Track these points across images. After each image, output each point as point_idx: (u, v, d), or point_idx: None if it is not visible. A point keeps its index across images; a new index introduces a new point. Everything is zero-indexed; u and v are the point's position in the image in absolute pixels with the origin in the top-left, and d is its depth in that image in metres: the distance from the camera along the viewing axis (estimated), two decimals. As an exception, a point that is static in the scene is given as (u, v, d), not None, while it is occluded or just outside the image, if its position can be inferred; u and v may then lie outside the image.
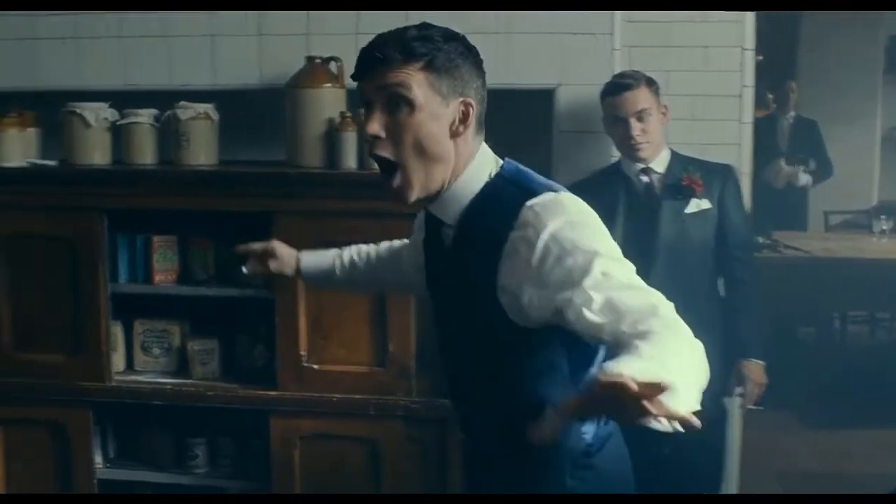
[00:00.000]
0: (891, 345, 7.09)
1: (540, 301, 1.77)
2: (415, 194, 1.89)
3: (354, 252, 2.48)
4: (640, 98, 3.19)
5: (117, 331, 3.50)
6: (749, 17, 3.47)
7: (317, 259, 2.51)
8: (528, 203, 1.81)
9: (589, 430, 1.99)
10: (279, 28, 3.51)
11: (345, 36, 3.45)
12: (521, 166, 1.98)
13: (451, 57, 1.85)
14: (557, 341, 1.87)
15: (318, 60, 3.34)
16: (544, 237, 1.76)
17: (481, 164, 1.92)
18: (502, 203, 1.86)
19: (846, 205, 7.81)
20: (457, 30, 3.32)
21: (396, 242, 2.44)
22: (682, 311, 1.66)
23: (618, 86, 3.22)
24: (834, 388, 5.78)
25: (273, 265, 2.51)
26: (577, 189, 3.23)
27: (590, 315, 1.68)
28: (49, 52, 3.66)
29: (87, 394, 3.44)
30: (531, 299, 1.79)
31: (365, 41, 3.34)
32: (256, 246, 2.55)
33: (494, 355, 1.95)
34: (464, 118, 1.86)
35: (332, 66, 3.36)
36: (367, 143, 1.95)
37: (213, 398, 3.39)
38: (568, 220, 1.78)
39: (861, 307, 7.03)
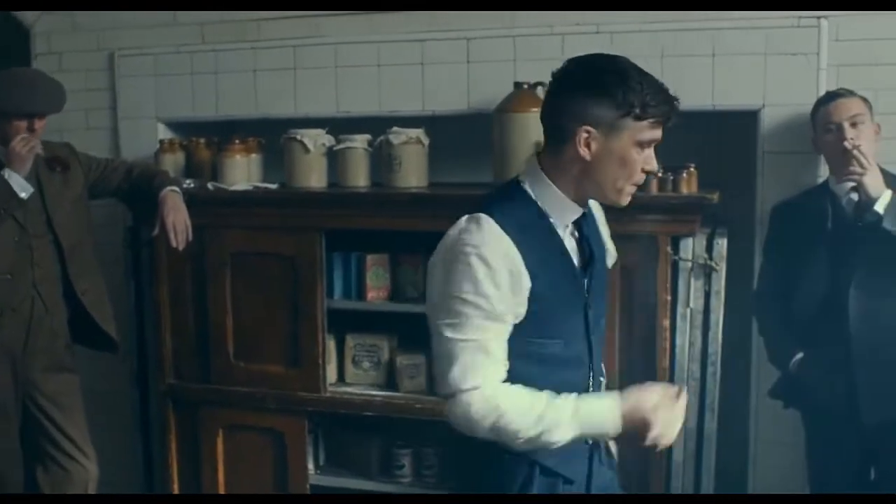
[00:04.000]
0: None
1: None
2: None
3: None
4: (854, 105, 3.16)
5: (331, 344, 3.69)
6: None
7: None
8: None
9: None
10: (487, 55, 3.64)
11: (551, 61, 3.53)
12: None
13: None
14: None
15: (525, 85, 3.43)
16: None
17: None
18: None
19: None
20: (664, 50, 3.42)
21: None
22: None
23: (832, 94, 3.21)
24: None
25: None
26: (782, 209, 3.27)
27: None
28: (269, 83, 3.92)
29: (303, 403, 3.64)
30: None
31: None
32: None
33: None
34: None
35: (539, 90, 3.42)
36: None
37: (421, 411, 3.52)
38: None
39: None
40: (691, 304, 3.23)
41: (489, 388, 2.01)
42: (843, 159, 3.10)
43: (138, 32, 4.10)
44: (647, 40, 3.50)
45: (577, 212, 2.14)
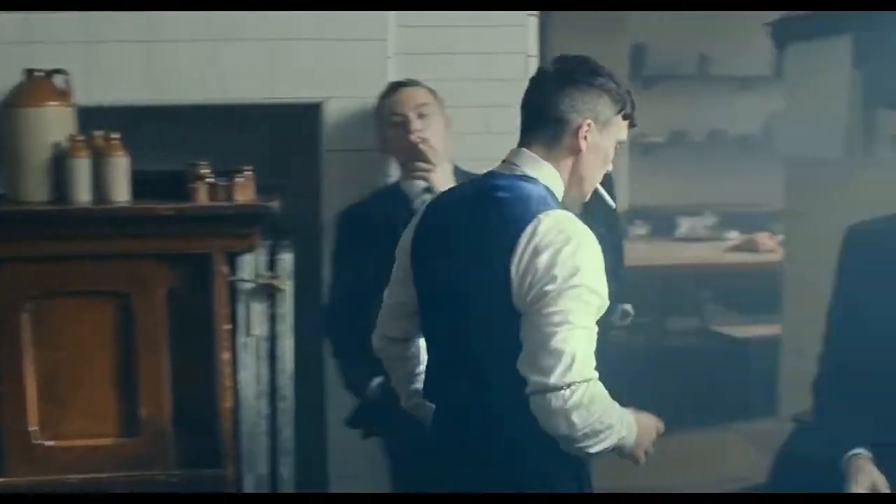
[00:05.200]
0: (652, 349, 7.21)
1: None
2: None
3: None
4: (420, 95, 2.96)
5: None
6: (532, 22, 3.27)
7: None
8: None
9: None
10: (-11, 36, 3.00)
11: (74, 44, 3.05)
12: None
13: None
14: None
15: (39, 74, 2.87)
16: None
17: None
18: None
19: (600, 210, 8.01)
20: (211, 33, 3.02)
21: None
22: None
23: (396, 84, 3.01)
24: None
25: None
26: (353, 213, 2.98)
27: None
28: None
29: None
30: None
31: (101, 50, 2.98)
32: None
33: None
34: None
35: (58, 79, 2.90)
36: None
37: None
38: None
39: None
40: (255, 332, 2.82)
41: (597, 381, 1.97)
42: (410, 155, 2.89)
43: None
44: (194, 21, 3.05)
45: None
